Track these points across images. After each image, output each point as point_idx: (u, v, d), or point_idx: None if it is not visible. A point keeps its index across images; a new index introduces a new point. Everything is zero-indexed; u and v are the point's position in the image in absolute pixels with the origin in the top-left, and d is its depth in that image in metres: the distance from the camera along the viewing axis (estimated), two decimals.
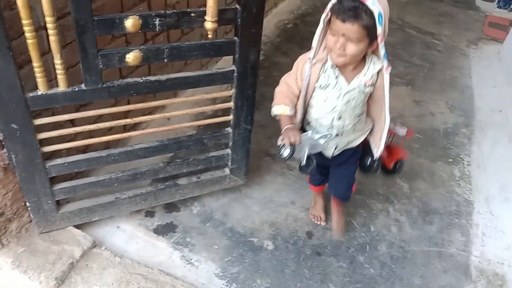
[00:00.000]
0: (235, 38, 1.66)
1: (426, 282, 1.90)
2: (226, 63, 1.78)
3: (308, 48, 1.55)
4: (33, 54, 1.39)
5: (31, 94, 1.46)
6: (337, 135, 1.64)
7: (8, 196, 1.64)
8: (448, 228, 2.15)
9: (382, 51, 1.44)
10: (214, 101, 2.49)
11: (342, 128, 1.62)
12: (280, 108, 1.63)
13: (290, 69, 1.64)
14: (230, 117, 1.85)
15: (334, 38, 1.41)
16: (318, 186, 2.05)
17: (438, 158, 2.59)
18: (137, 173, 1.82)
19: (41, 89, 1.47)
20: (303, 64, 1.56)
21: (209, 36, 1.54)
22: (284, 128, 1.59)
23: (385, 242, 2.04)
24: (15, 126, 1.48)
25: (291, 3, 4.32)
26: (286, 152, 1.52)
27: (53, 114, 1.62)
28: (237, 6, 1.57)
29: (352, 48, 1.40)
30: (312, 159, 1.63)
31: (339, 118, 1.59)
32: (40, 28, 1.54)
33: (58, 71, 1.46)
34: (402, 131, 1.82)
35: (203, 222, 2.02)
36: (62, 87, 1.50)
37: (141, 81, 1.60)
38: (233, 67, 1.72)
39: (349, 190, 1.90)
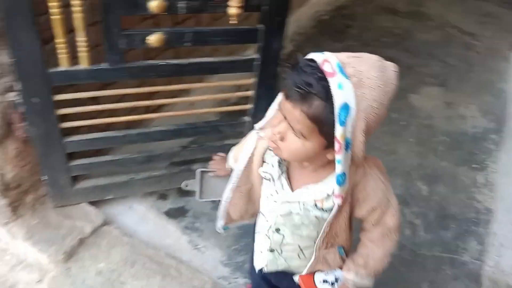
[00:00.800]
0: (260, 25, 1.63)
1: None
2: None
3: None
4: (57, 30, 1.41)
5: (53, 70, 1.48)
6: (271, 250, 1.15)
7: (26, 168, 1.68)
8: (464, 235, 2.09)
9: (338, 168, 0.87)
10: (239, 88, 2.47)
11: (279, 245, 1.12)
12: (230, 156, 1.33)
13: None
14: (249, 106, 1.83)
15: (279, 117, 0.91)
16: None
17: (462, 163, 2.51)
18: (152, 155, 1.83)
19: (63, 65, 1.49)
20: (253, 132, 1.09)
21: (232, 22, 1.52)
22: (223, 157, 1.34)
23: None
24: (36, 100, 1.50)
25: None
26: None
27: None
28: None
29: (291, 142, 0.89)
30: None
31: (277, 229, 1.10)
32: (69, 5, 1.55)
33: (80, 48, 1.47)
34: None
35: (214, 208, 2.01)
36: (84, 64, 1.51)
37: (162, 63, 1.60)
38: (255, 55, 1.69)
39: None
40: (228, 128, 1.87)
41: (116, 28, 1.45)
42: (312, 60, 0.85)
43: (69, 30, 1.45)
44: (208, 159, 1.94)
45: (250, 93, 1.80)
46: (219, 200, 1.23)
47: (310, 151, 0.89)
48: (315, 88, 0.81)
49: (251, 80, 1.76)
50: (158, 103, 1.81)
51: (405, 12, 4.10)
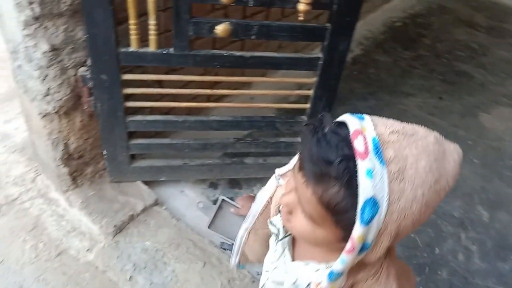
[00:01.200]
0: (328, 24, 1.60)
1: None
2: None
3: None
4: (131, 11, 1.46)
5: (123, 50, 1.53)
6: None
7: (89, 141, 1.76)
8: None
9: (337, 265, 0.65)
10: (300, 87, 2.45)
11: None
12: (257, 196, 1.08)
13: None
14: (307, 105, 1.81)
15: (290, 185, 0.72)
16: None
17: None
18: (207, 143, 1.86)
19: (133, 46, 1.54)
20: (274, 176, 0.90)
21: (300, 18, 1.51)
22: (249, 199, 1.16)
23: (447, 268, 1.89)
24: (105, 77, 1.57)
25: (405, 1, 4.11)
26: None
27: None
28: None
29: (299, 221, 0.70)
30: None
31: None
32: None
33: (150, 32, 1.52)
34: None
35: None
36: (152, 47, 1.56)
37: (226, 54, 1.62)
38: (320, 55, 1.67)
39: None
40: (284, 125, 1.86)
41: (185, 15, 1.48)
42: (343, 126, 0.62)
43: (142, 13, 1.50)
44: (261, 154, 1.96)
45: (310, 92, 1.78)
46: (222, 244, 1.14)
47: (320, 239, 0.69)
48: (335, 169, 0.59)
49: (313, 79, 1.74)
50: (219, 93, 1.84)
51: (484, 27, 3.89)
